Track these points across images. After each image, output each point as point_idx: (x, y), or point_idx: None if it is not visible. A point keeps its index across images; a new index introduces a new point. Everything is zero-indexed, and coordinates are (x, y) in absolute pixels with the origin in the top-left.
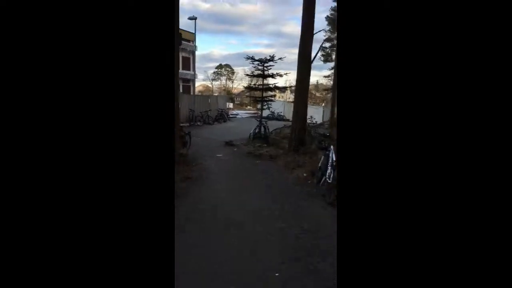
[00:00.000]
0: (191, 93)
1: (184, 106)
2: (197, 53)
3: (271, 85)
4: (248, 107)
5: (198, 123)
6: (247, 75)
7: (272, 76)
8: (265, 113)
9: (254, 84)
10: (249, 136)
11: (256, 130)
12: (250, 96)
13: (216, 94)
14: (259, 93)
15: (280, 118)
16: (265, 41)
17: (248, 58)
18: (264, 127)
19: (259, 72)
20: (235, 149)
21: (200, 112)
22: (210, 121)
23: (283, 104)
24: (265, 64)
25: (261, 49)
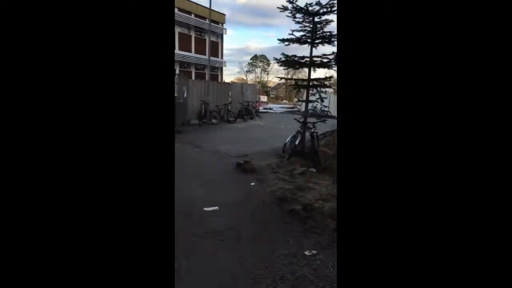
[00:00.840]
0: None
1: (193, 97)
2: (233, 46)
3: (327, 56)
4: (284, 101)
5: (213, 120)
6: (282, 40)
7: (329, 39)
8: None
9: (295, 57)
10: (284, 147)
11: (297, 141)
12: (287, 79)
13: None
14: (303, 75)
15: (324, 114)
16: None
17: (287, 6)
18: (312, 134)
19: (306, 33)
20: (253, 184)
21: (217, 106)
22: (231, 118)
23: (328, 96)
24: (317, 19)
25: None
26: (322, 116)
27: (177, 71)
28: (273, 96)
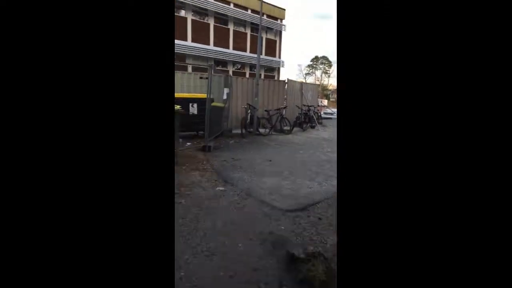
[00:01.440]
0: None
1: (237, 99)
2: (292, 48)
3: None
4: None
5: (261, 130)
6: None
7: None
8: None
9: None
10: None
11: None
12: None
13: (298, 81)
14: None
15: None
16: None
17: None
18: None
19: None
20: None
21: (266, 111)
22: (285, 127)
23: None
24: None
25: None
26: None
27: (230, 72)
28: (333, 100)
